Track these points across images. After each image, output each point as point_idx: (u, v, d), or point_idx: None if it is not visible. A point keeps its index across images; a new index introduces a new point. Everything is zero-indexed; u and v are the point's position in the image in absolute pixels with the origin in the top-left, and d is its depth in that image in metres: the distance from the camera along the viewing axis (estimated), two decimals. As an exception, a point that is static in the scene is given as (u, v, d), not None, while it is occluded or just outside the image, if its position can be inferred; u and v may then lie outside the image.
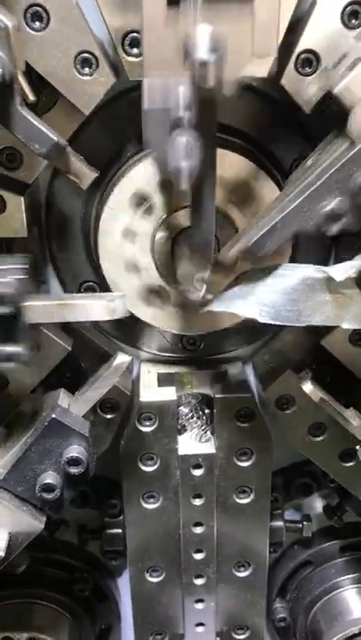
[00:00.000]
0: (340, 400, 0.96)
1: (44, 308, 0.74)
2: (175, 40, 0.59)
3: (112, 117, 0.87)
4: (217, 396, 0.93)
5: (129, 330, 1.00)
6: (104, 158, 0.88)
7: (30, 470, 0.80)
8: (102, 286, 0.94)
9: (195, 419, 0.97)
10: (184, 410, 0.97)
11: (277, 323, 0.73)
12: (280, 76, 0.76)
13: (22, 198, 0.82)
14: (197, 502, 0.99)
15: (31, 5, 0.72)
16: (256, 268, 0.75)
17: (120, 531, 1.10)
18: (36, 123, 0.68)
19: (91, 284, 0.97)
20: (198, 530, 1.01)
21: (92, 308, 0.75)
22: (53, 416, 0.79)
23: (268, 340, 1.03)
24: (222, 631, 1.12)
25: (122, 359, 0.94)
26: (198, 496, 0.98)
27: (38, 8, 0.72)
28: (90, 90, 0.76)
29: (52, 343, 0.90)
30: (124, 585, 1.21)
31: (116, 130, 0.88)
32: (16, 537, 0.81)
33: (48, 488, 0.79)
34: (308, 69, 0.76)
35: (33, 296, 0.75)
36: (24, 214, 0.83)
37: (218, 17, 0.59)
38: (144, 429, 0.94)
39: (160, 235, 0.86)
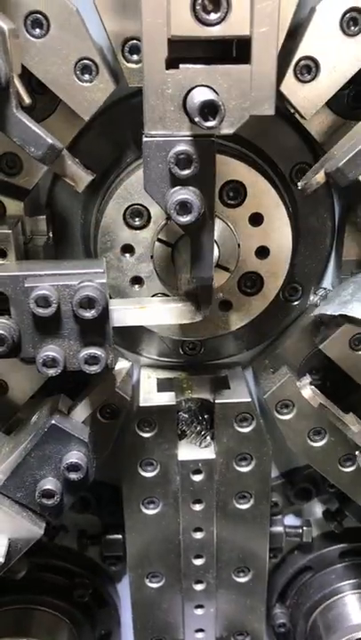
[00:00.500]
0: (339, 405, 0.96)
1: (127, 312, 0.77)
2: (175, 99, 0.62)
3: (112, 124, 0.87)
4: (217, 401, 0.93)
5: (129, 335, 1.00)
6: (103, 164, 0.89)
7: (30, 476, 0.80)
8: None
9: (194, 424, 0.97)
10: (184, 415, 0.97)
11: None
12: (279, 82, 0.76)
13: (22, 204, 0.82)
14: (197, 508, 0.99)
15: (31, 12, 0.72)
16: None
17: (120, 536, 1.10)
18: (31, 126, 0.69)
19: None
20: (198, 535, 1.01)
21: (168, 312, 0.78)
22: (53, 422, 0.79)
23: (268, 346, 1.03)
24: (222, 637, 1.12)
25: (122, 364, 0.94)
26: (198, 501, 0.98)
27: (38, 15, 0.72)
28: (90, 96, 0.77)
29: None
30: (123, 590, 1.20)
31: (115, 136, 0.88)
32: (16, 543, 0.81)
33: (48, 494, 0.79)
34: (307, 76, 0.76)
35: (115, 300, 0.78)
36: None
37: (217, 77, 0.61)
38: (144, 435, 0.94)
39: (159, 242, 0.86)
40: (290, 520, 1.18)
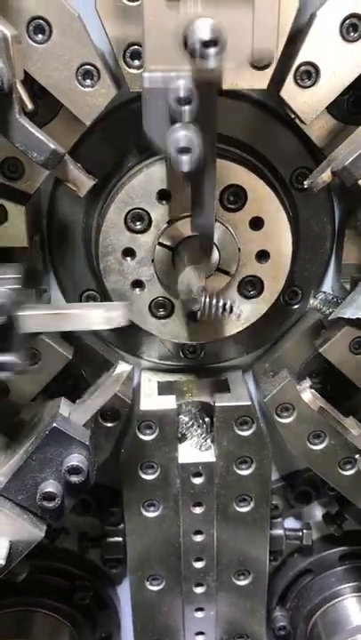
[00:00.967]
0: (339, 409, 0.96)
1: (39, 318, 0.74)
2: (176, 31, 0.60)
3: (113, 129, 0.88)
4: (217, 404, 0.93)
5: (130, 338, 1.00)
6: (104, 169, 0.89)
7: (31, 479, 0.80)
8: (104, 295, 0.94)
9: (195, 427, 0.97)
10: (184, 418, 0.97)
11: None
12: (280, 87, 0.77)
13: (24, 208, 0.83)
14: (197, 510, 0.99)
15: (34, 18, 0.73)
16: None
17: (120, 539, 1.10)
18: (34, 131, 0.69)
19: (92, 292, 0.98)
20: (198, 538, 1.01)
21: (89, 318, 0.75)
22: (54, 425, 0.79)
23: (268, 349, 1.03)
24: (222, 640, 1.12)
25: (123, 368, 0.95)
26: (198, 504, 0.99)
27: (40, 21, 0.73)
28: (91, 101, 0.77)
29: (53, 352, 0.90)
30: (124, 593, 1.21)
31: (116, 141, 0.89)
32: (16, 545, 0.81)
33: (49, 496, 0.79)
34: (307, 81, 0.77)
35: (29, 306, 0.75)
36: (25, 224, 0.83)
37: (218, 10, 0.60)
38: (144, 438, 0.94)
39: (160, 246, 0.86)
40: (290, 523, 1.18)
